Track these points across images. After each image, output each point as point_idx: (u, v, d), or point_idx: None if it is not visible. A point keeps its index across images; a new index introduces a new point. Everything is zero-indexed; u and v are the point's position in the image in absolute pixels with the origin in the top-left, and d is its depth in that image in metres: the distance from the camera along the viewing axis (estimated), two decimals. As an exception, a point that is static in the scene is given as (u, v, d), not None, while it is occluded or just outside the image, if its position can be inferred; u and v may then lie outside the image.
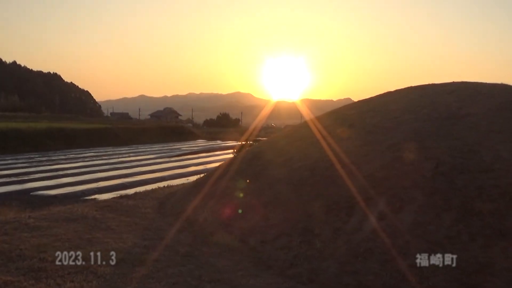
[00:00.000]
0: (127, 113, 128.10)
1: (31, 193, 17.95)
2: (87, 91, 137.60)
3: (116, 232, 9.73)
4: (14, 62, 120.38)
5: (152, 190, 15.02)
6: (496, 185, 7.34)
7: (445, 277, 6.37)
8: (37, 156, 32.81)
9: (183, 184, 16.06)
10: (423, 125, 9.53)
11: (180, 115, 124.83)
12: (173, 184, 16.71)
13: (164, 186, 15.80)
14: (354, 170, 8.79)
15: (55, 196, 17.55)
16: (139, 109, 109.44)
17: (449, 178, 7.71)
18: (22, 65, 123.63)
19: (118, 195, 14.63)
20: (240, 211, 9.42)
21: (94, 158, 32.13)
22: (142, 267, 7.53)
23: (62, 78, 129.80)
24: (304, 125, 12.96)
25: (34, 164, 28.43)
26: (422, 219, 7.18)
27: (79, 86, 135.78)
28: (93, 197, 16.75)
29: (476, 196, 7.23)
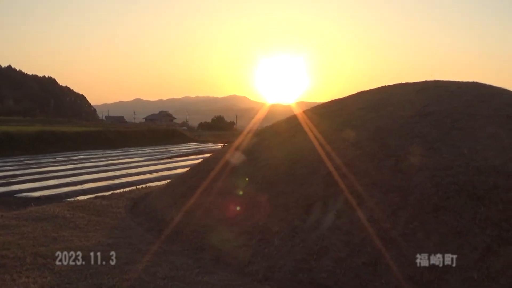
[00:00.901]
0: (122, 117, 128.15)
1: (15, 195, 17.87)
2: (82, 95, 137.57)
3: (83, 231, 9.76)
4: (9, 66, 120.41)
5: (129, 191, 15.03)
6: (454, 182, 7.33)
7: (399, 275, 6.36)
8: (26, 159, 32.71)
9: (159, 185, 16.04)
10: (387, 123, 9.54)
11: (175, 118, 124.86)
12: (153, 185, 16.70)
13: (141, 187, 15.80)
14: (316, 168, 8.81)
15: (38, 198, 17.47)
16: (134, 112, 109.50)
17: (408, 175, 7.72)
18: (17, 69, 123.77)
19: (94, 196, 14.59)
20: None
21: (83, 161, 32.03)
22: (100, 264, 7.57)
23: (57, 82, 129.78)
24: (273, 126, 13.01)
25: (23, 166, 28.34)
26: (378, 216, 7.18)
27: (74, 90, 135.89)
28: (76, 198, 16.73)
29: (433, 194, 7.23)
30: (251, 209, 8.69)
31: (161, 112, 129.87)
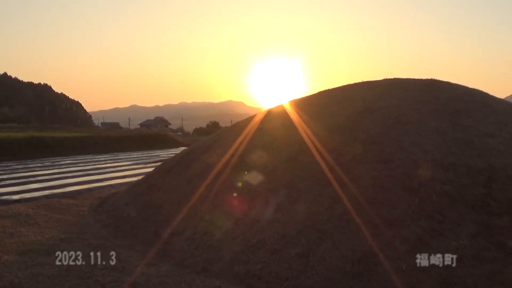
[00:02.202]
0: (118, 123, 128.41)
1: (-5, 198, 17.97)
2: (77, 102, 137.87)
3: (41, 227, 9.88)
4: (5, 74, 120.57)
5: (99, 191, 15.12)
6: (391, 175, 7.47)
7: (330, 266, 6.46)
8: (14, 164, 32.75)
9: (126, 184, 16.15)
10: (335, 120, 9.68)
11: (170, 124, 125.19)
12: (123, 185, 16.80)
13: (111, 187, 15.91)
14: (262, 163, 8.95)
15: (18, 200, 17.55)
16: (129, 118, 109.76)
17: (347, 169, 7.84)
18: (13, 76, 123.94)
19: (53, 193, 14.72)
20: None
21: (70, 165, 32.06)
22: (46, 256, 7.70)
23: (52, 89, 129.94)
24: (232, 126, 13.20)
25: (9, 171, 28.36)
26: (315, 210, 7.30)
27: (70, 97, 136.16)
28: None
29: (370, 186, 7.36)
30: (199, 204, 8.82)
31: (156, 118, 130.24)
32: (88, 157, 38.75)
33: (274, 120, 11.08)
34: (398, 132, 8.57)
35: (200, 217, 8.41)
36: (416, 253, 6.32)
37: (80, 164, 32.72)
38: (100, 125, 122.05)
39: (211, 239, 7.72)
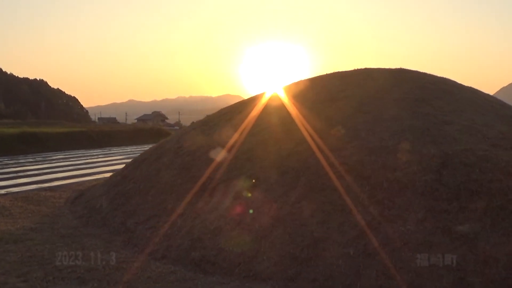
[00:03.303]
0: (115, 118, 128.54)
1: (-18, 193, 18.14)
2: (74, 97, 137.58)
3: (14, 217, 10.13)
4: (0, 70, 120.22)
5: (78, 184, 15.33)
6: (345, 162, 7.66)
7: (281, 251, 6.66)
8: (6, 159, 32.87)
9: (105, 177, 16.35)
10: (300, 108, 9.88)
11: (167, 118, 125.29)
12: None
13: (91, 180, 16.09)
14: (226, 153, 9.16)
15: (5, 195, 17.76)
16: (126, 113, 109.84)
17: (303, 157, 8.05)
18: (8, 72, 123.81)
19: (41, 188, 14.89)
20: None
21: (61, 160, 32.18)
22: (13, 244, 7.95)
23: (48, 85, 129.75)
24: (206, 118, 13.40)
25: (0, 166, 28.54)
26: (271, 197, 7.52)
27: (66, 92, 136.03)
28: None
29: (324, 174, 7.56)
30: (165, 193, 9.06)
31: (153, 113, 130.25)
32: (80, 152, 38.88)
33: (242, 112, 11.29)
34: (357, 121, 8.76)
35: (164, 206, 8.64)
36: (365, 239, 6.51)
37: (71, 159, 32.84)
38: (97, 120, 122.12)
39: (173, 227, 7.96)
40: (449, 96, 9.87)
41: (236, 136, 9.65)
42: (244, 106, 11.95)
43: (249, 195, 7.76)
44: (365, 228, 6.65)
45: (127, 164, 12.92)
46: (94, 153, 37.87)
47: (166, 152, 11.03)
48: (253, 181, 7.96)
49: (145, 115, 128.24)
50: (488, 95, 12.21)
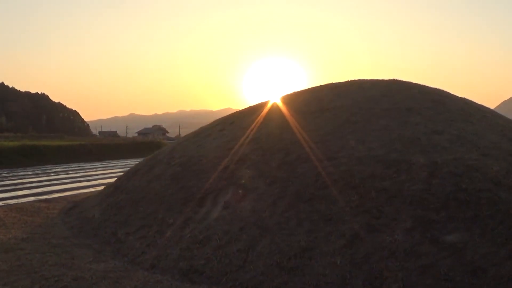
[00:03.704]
0: (116, 132, 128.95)
1: (-20, 205, 18.19)
2: (75, 111, 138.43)
3: (8, 228, 10.16)
4: (2, 83, 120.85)
5: (74, 195, 15.35)
6: (333, 172, 7.68)
7: (268, 261, 6.65)
8: (5, 172, 32.91)
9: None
10: (290, 119, 9.96)
11: (168, 132, 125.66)
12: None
13: (88, 192, 16.12)
14: (216, 163, 9.20)
15: (0, 206, 17.78)
16: (127, 127, 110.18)
17: (292, 167, 8.07)
18: (10, 86, 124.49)
19: (38, 200, 14.90)
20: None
21: (60, 173, 32.22)
22: (4, 254, 8.04)
23: (50, 98, 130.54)
24: (198, 130, 13.47)
25: (-1, 179, 28.57)
26: (259, 207, 7.53)
27: (68, 106, 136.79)
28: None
29: (311, 183, 7.57)
30: (155, 203, 9.07)
31: (154, 126, 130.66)
32: (80, 165, 38.93)
33: (233, 123, 11.34)
34: (346, 131, 8.80)
35: (155, 216, 8.65)
36: (352, 248, 6.49)
37: (70, 172, 32.89)
38: (97, 134, 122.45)
39: (162, 237, 7.96)
40: (440, 106, 9.91)
41: (226, 146, 9.68)
42: (235, 117, 12.03)
43: (238, 205, 7.76)
44: (353, 238, 6.64)
45: (121, 176, 12.95)
46: (93, 166, 37.94)
47: (158, 163, 11.08)
48: (240, 192, 7.96)
49: (145, 128, 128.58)
50: (481, 105, 12.24)
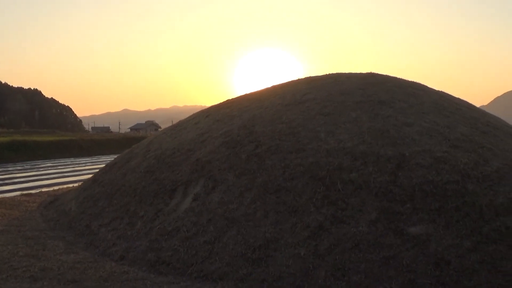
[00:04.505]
0: (108, 127, 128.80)
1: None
2: (68, 106, 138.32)
3: (-16, 220, 10.17)
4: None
5: (57, 189, 15.43)
6: (301, 164, 7.74)
7: (233, 252, 6.72)
8: (-6, 167, 32.85)
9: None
10: (262, 112, 10.00)
11: (160, 128, 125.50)
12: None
13: (71, 186, 16.18)
14: (188, 156, 9.26)
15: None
16: (119, 122, 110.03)
17: (261, 159, 8.14)
18: (3, 81, 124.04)
19: (20, 193, 14.95)
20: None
21: (49, 168, 32.21)
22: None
23: (42, 94, 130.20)
24: (173, 125, 13.52)
25: (-13, 174, 28.53)
26: (227, 198, 7.60)
27: (60, 102, 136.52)
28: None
29: (279, 175, 7.64)
30: (129, 196, 9.14)
31: (147, 122, 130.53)
32: (69, 160, 38.89)
33: (209, 116, 11.41)
34: (317, 123, 8.85)
35: (127, 208, 8.72)
36: (316, 239, 6.54)
37: (59, 167, 32.85)
38: (90, 129, 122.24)
39: (132, 229, 8.02)
40: (414, 99, 9.95)
41: (199, 139, 9.74)
42: (212, 110, 12.08)
43: (207, 197, 7.83)
44: (317, 229, 6.68)
45: (100, 169, 12.99)
46: (82, 161, 37.90)
47: (134, 156, 11.14)
48: (210, 184, 8.03)
49: (138, 124, 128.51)
50: (458, 99, 12.27)
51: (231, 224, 7.14)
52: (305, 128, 8.75)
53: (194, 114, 12.75)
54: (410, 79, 12.05)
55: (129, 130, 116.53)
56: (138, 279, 6.48)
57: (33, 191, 19.83)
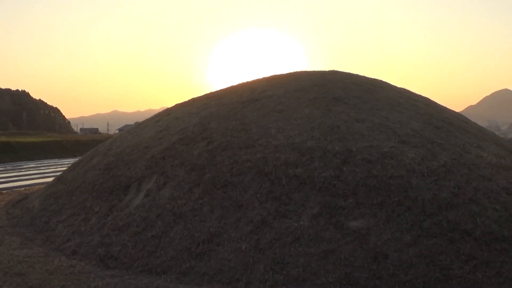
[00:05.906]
0: (97, 129, 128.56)
1: None
2: (56, 108, 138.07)
3: None
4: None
5: (28, 188, 15.56)
6: (249, 159, 7.94)
7: (178, 246, 6.88)
8: (-24, 168, 32.78)
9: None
10: (218, 109, 10.23)
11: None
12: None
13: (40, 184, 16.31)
14: (144, 153, 9.47)
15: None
16: (108, 123, 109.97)
17: (212, 155, 8.35)
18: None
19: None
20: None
21: (31, 169, 32.19)
22: None
23: (30, 95, 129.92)
24: (142, 121, 13.68)
25: (-32, 175, 28.48)
26: (176, 194, 7.80)
27: (48, 103, 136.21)
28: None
29: (227, 171, 7.84)
30: (87, 192, 9.34)
31: (135, 123, 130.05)
32: (53, 161, 38.86)
33: (169, 114, 11.62)
34: (270, 119, 9.06)
35: (84, 205, 8.90)
36: (258, 234, 6.68)
37: (41, 168, 32.82)
38: (79, 131, 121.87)
39: (86, 225, 8.20)
40: (369, 95, 10.15)
41: (157, 136, 9.95)
42: (173, 108, 12.28)
43: (158, 193, 8.03)
44: (260, 224, 6.82)
45: (68, 167, 13.16)
46: (66, 162, 37.78)
47: (97, 154, 11.33)
48: (161, 180, 8.23)
49: (126, 125, 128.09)
50: (419, 95, 12.43)
51: (178, 219, 7.32)
52: (257, 125, 8.95)
53: (158, 113, 12.93)
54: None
55: (117, 131, 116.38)
56: (83, 273, 6.65)
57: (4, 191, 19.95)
